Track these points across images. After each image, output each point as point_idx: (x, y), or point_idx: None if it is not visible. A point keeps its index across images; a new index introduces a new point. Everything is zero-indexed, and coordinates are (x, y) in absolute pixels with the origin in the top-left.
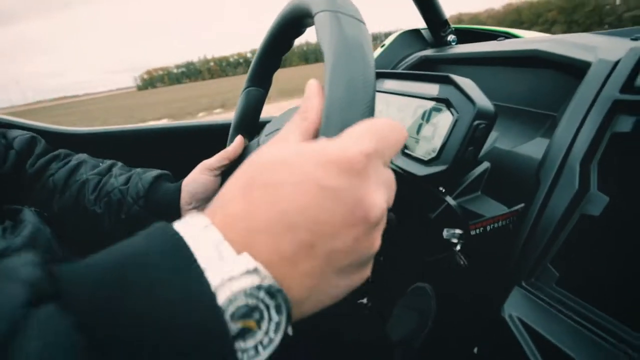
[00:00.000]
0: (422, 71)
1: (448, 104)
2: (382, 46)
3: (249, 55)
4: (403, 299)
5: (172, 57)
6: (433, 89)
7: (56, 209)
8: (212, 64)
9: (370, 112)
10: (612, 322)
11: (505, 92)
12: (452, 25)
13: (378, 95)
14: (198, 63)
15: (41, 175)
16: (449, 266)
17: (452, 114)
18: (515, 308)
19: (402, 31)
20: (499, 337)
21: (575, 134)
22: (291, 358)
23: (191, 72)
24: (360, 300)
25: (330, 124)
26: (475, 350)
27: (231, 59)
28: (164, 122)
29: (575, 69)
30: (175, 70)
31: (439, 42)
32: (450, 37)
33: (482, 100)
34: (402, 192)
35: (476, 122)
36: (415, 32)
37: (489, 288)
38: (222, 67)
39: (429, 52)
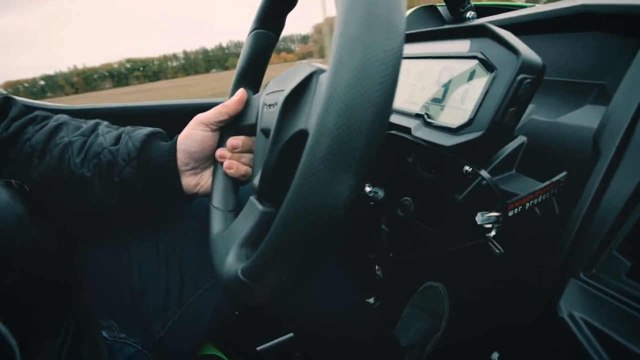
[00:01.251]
0: None
1: (483, 61)
2: None
3: (116, 66)
4: (413, 298)
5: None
6: (463, 45)
7: (37, 176)
8: (75, 77)
9: (386, 108)
10: None
11: None
12: (473, 2)
13: None
14: (59, 76)
15: (16, 140)
16: (478, 257)
17: (488, 71)
18: (576, 306)
19: (417, 7)
20: (554, 341)
21: None
22: None
23: (52, 86)
24: (368, 300)
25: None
26: (496, 356)
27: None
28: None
29: (632, 23)
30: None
31: (457, 18)
32: (470, 14)
33: (527, 51)
34: (420, 172)
35: (520, 77)
36: (432, 8)
37: (530, 282)
38: (87, 81)
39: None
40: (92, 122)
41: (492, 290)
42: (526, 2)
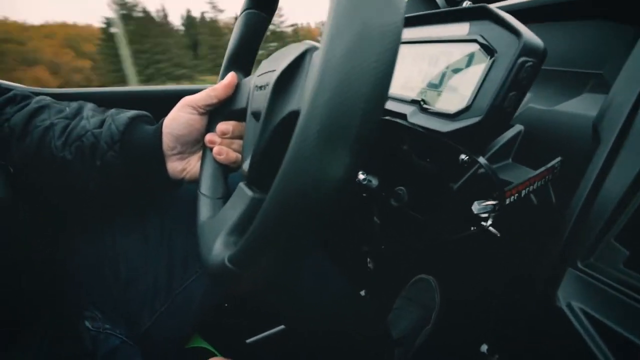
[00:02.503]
0: None
1: (482, 44)
2: None
3: None
4: (404, 291)
5: None
6: (462, 28)
7: (16, 158)
8: None
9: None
10: None
11: None
12: None
13: None
14: None
15: None
16: (472, 249)
17: (488, 55)
18: (574, 295)
19: None
20: (551, 331)
21: None
22: (289, 354)
23: None
24: (360, 292)
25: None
26: (484, 348)
27: None
28: (142, 86)
29: (631, 8)
30: None
31: (452, 5)
32: (466, 3)
33: (529, 33)
34: (415, 160)
35: (522, 60)
36: None
37: (527, 271)
38: None
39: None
40: (75, 104)
41: (485, 282)
42: None
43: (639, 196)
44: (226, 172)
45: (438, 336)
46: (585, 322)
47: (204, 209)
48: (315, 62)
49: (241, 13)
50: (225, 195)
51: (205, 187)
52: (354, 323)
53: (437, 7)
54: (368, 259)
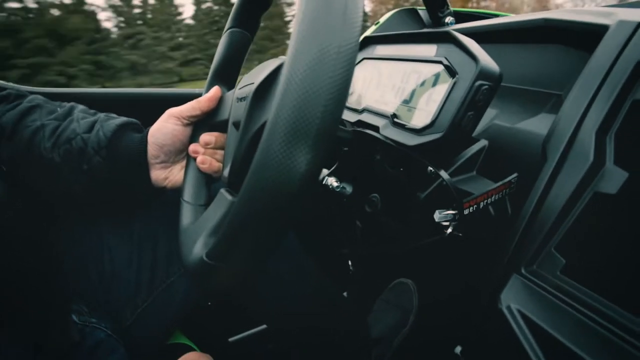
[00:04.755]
0: None
1: (446, 66)
2: (377, 24)
3: None
4: (384, 294)
5: None
6: (430, 50)
7: (5, 157)
8: None
9: (338, 109)
10: (624, 315)
11: (505, 71)
12: (452, 8)
13: (367, 63)
14: None
15: None
16: (440, 254)
17: (451, 76)
18: (515, 299)
19: (398, 9)
20: (494, 331)
21: (589, 103)
22: (268, 352)
23: None
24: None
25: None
26: (458, 349)
27: None
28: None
29: (589, 38)
30: None
31: (436, 22)
32: (448, 19)
33: (486, 59)
34: (388, 169)
35: (478, 83)
36: (412, 11)
37: (481, 276)
38: None
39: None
40: (67, 105)
41: (452, 286)
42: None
43: (575, 210)
44: (209, 181)
45: (414, 338)
46: (521, 324)
47: (186, 215)
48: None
49: (225, 31)
50: (207, 202)
51: (188, 195)
52: (333, 318)
53: (422, 22)
54: (349, 262)
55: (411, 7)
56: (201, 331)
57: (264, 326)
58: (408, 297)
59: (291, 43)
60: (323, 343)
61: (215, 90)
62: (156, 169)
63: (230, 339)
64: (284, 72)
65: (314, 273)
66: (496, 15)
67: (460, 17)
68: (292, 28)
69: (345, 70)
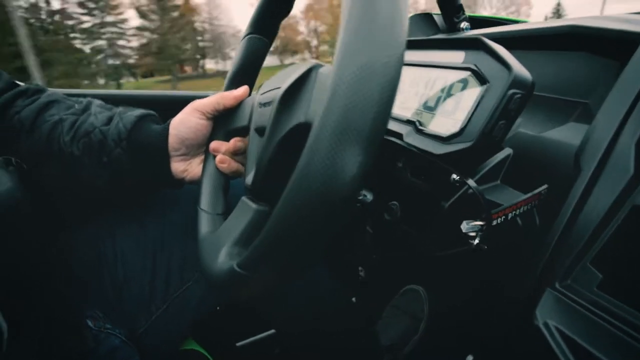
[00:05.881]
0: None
1: (476, 73)
2: None
3: None
4: (394, 300)
5: None
6: (457, 56)
7: (25, 152)
8: None
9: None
10: None
11: None
12: (467, 13)
13: None
14: None
15: (4, 113)
16: (459, 263)
17: (481, 84)
18: (550, 315)
19: (413, 14)
20: (527, 347)
21: (627, 113)
22: (276, 356)
23: None
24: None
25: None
26: (470, 359)
27: None
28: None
29: (620, 45)
30: None
31: (452, 28)
32: (464, 24)
33: (519, 67)
34: (409, 177)
35: (511, 92)
36: (427, 16)
37: (508, 288)
38: None
39: (441, 36)
40: (84, 100)
41: (470, 296)
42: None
43: (612, 224)
44: (226, 188)
45: (425, 345)
46: (559, 341)
47: (205, 224)
48: (323, 75)
49: (244, 37)
50: (225, 211)
51: (205, 203)
52: (343, 323)
53: (437, 27)
54: (360, 268)
55: (426, 12)
56: (209, 335)
57: (272, 331)
58: (419, 305)
59: (340, 45)
60: (332, 349)
61: (244, 89)
62: (176, 161)
63: (238, 344)
64: (333, 74)
65: (325, 278)
66: (512, 21)
67: (476, 22)
68: (340, 27)
69: (396, 72)
